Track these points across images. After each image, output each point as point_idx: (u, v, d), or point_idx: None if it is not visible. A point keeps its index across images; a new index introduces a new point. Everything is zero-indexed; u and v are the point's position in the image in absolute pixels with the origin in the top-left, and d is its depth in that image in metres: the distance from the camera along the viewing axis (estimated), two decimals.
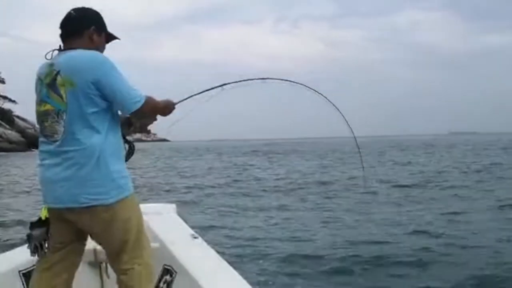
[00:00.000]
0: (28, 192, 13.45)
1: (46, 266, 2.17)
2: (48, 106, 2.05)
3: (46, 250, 2.18)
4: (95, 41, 2.16)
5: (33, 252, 2.17)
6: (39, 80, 2.10)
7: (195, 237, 2.84)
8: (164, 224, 3.01)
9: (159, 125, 2.43)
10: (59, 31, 2.15)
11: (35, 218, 2.23)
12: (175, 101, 2.33)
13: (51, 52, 2.11)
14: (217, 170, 22.65)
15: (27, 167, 24.06)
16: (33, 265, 2.27)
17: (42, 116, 2.08)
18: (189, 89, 2.45)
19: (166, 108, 2.28)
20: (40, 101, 2.09)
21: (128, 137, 2.32)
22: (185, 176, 19.61)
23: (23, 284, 2.45)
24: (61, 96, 2.01)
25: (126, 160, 2.20)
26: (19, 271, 2.47)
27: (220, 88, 2.47)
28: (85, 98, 1.98)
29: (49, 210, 2.16)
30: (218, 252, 2.68)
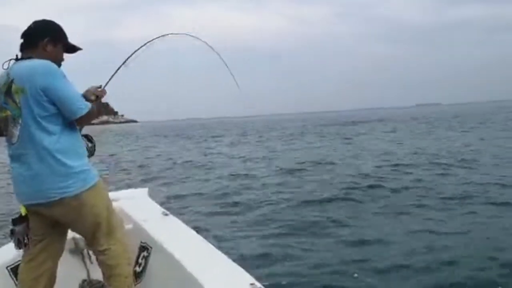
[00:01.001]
0: None
1: (30, 257, 2.37)
2: (7, 113, 2.22)
3: (29, 243, 2.37)
4: (48, 51, 2.29)
5: (17, 246, 2.38)
6: None
7: (165, 214, 3.10)
8: (136, 206, 3.24)
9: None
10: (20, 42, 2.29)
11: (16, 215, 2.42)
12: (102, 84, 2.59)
13: (8, 62, 2.26)
14: None
15: None
16: (19, 260, 2.45)
17: (3, 121, 2.26)
18: None
19: (100, 101, 2.52)
20: (0, 108, 2.25)
21: (90, 136, 2.53)
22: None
23: (12, 277, 2.61)
24: (15, 103, 2.17)
25: (88, 157, 2.38)
26: (7, 267, 2.64)
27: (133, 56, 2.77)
28: (36, 104, 2.15)
29: (25, 206, 2.34)
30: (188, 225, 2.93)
